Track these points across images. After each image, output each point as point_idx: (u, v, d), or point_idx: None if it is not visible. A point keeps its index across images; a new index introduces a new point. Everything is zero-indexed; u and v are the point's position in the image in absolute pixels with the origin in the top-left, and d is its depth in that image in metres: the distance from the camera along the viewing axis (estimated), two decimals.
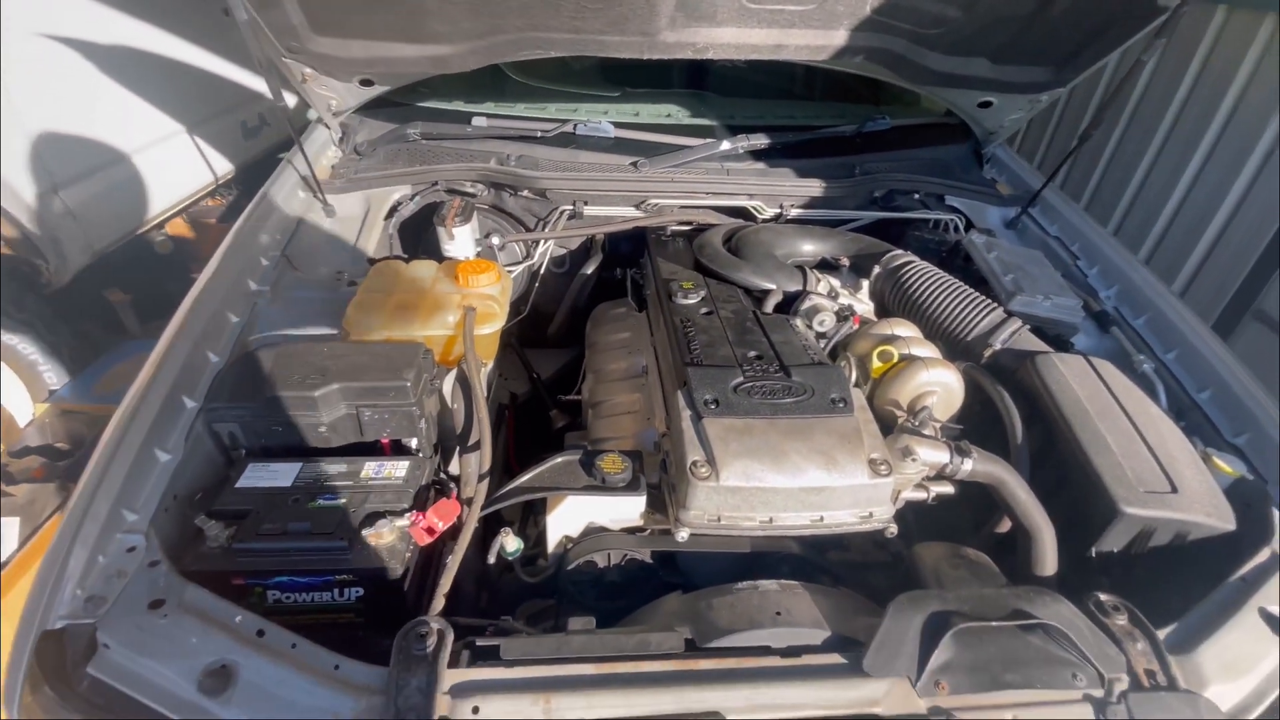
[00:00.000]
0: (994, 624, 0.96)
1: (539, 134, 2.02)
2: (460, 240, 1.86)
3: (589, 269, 2.02)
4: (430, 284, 1.54)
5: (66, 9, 2.68)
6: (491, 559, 1.24)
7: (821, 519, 1.18)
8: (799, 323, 1.53)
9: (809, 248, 1.86)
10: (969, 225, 2.06)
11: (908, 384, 1.41)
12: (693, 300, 1.57)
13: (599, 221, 2.02)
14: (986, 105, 2.06)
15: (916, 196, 2.11)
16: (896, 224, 2.06)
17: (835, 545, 1.36)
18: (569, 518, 1.28)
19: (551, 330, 2.16)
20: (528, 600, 1.28)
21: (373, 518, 1.13)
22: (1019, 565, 1.23)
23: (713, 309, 1.55)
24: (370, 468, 1.25)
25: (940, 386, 1.42)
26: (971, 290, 1.60)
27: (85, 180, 2.72)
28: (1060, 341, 1.65)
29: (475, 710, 0.86)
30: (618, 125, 2.09)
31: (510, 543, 1.24)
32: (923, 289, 1.63)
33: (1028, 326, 1.54)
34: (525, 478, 1.25)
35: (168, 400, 1.21)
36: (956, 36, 1.73)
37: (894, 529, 1.21)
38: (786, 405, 1.23)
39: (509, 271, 1.94)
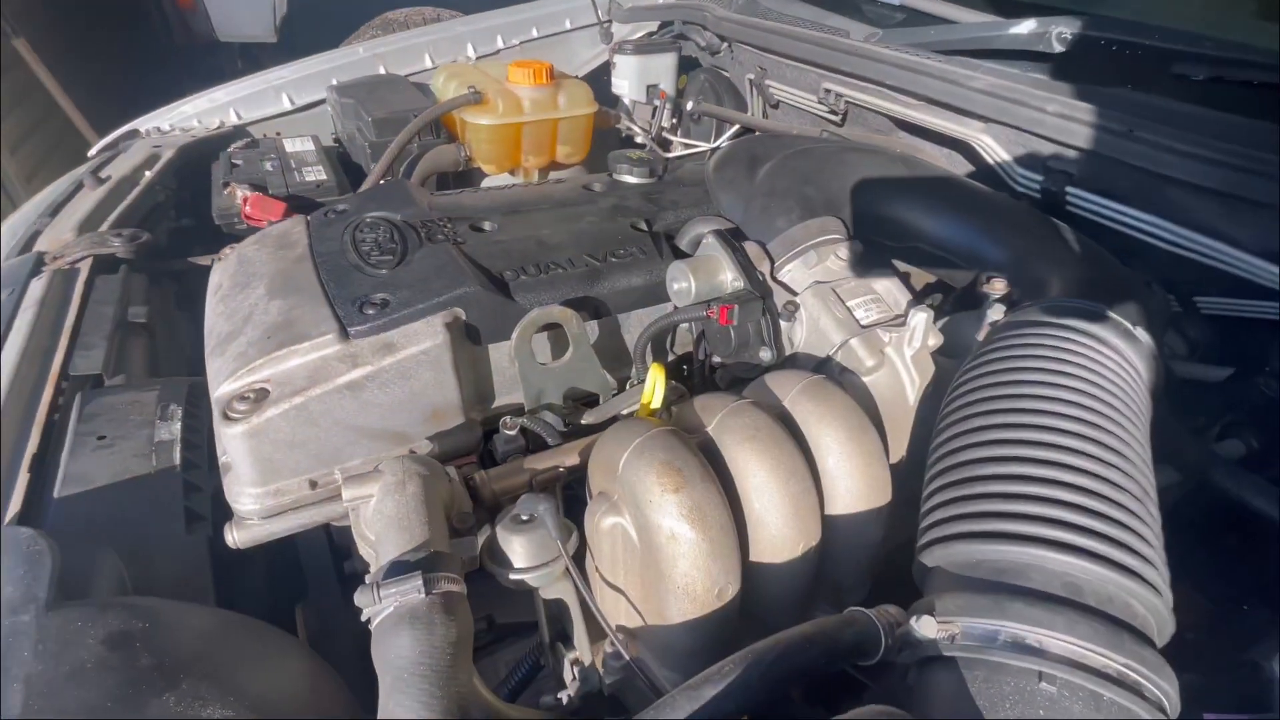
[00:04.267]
0: None
1: None
2: (621, 69, 1.64)
3: None
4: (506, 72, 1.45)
5: None
6: None
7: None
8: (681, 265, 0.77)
9: (947, 232, 0.84)
10: None
11: (597, 453, 0.60)
12: (617, 172, 0.99)
13: (788, 115, 1.39)
14: None
15: None
16: None
17: None
18: None
19: None
20: None
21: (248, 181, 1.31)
22: None
23: (601, 187, 0.95)
24: (314, 168, 1.41)
25: (632, 512, 0.55)
26: (1081, 480, 0.46)
27: None
28: None
29: None
30: None
31: None
32: (966, 384, 0.56)
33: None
34: None
35: None
36: None
37: (232, 536, 0.62)
38: (343, 259, 0.73)
39: (680, 142, 1.58)
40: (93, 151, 1.53)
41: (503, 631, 0.72)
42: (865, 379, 0.71)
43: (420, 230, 0.77)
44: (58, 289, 1.04)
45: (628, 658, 0.53)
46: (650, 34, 1.81)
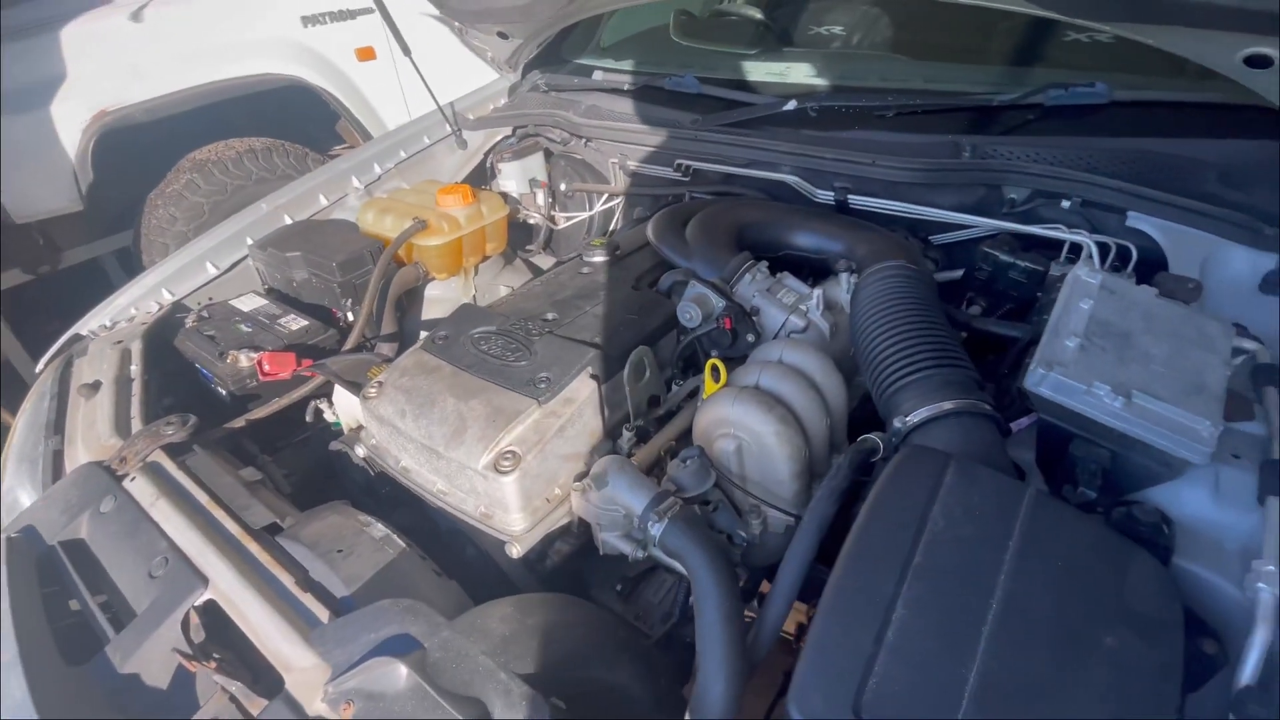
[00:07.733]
0: None
1: (625, 87, 2.00)
2: (506, 172, 2.05)
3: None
4: (425, 199, 1.78)
5: None
6: (308, 417, 1.46)
7: (445, 493, 1.03)
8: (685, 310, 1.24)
9: (804, 241, 1.42)
10: (1148, 262, 1.22)
11: (705, 415, 1.04)
12: (590, 258, 1.43)
13: (644, 181, 1.92)
14: (1261, 63, 1.13)
15: (1066, 204, 1.33)
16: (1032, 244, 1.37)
17: None
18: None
19: None
20: None
21: (240, 346, 1.49)
22: None
23: (589, 270, 1.38)
24: (287, 318, 1.61)
25: (747, 434, 1.00)
26: (923, 337, 1.02)
27: None
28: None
29: None
30: (707, 81, 1.90)
31: (328, 412, 1.43)
32: (863, 316, 1.11)
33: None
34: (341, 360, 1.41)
35: None
36: None
37: (517, 549, 0.96)
38: (489, 364, 1.08)
39: (562, 216, 2.04)
40: (40, 366, 1.55)
41: None
42: (802, 334, 1.25)
43: (517, 332, 1.14)
44: (161, 482, 1.18)
45: (768, 509, 1.00)
46: (505, 137, 2.23)
